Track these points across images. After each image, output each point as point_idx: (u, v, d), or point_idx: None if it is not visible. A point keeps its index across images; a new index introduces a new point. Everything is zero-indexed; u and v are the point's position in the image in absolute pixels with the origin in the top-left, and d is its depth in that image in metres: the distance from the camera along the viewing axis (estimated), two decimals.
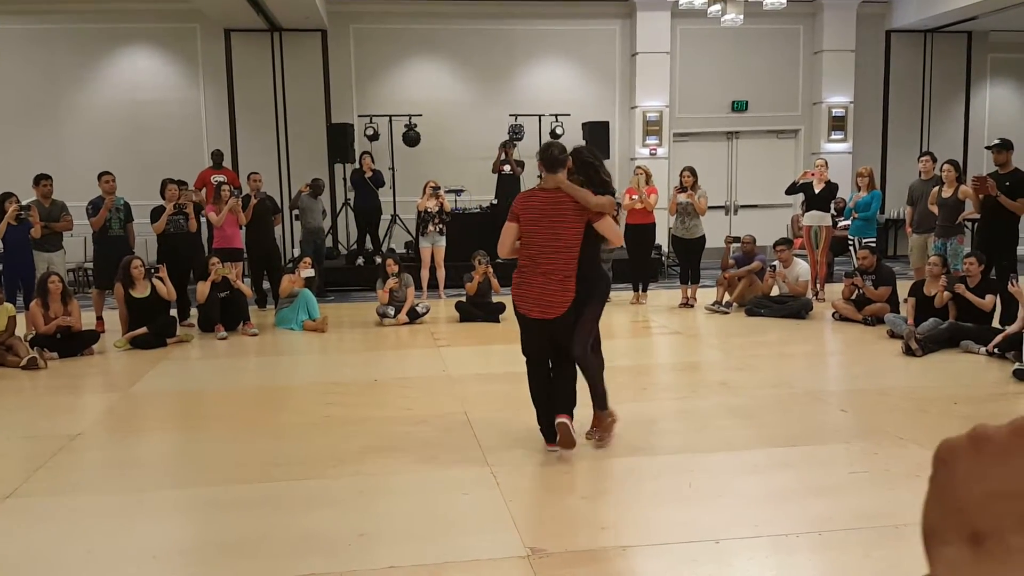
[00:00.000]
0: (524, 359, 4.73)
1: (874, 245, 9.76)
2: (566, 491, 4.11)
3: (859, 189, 10.30)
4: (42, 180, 8.97)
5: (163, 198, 9.32)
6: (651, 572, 3.26)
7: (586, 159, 4.83)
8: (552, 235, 4.50)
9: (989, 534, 0.60)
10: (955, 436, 0.72)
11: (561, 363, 4.71)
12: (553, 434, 4.63)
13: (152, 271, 8.47)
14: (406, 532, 3.73)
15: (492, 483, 4.22)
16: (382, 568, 3.30)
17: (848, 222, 10.66)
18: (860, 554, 3.34)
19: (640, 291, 10.51)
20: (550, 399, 4.67)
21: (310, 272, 9.45)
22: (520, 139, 12.86)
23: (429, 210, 10.71)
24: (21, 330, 7.86)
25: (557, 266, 4.50)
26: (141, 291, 8.32)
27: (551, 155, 4.60)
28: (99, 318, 9.05)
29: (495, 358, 7.68)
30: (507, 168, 12.01)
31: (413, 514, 3.97)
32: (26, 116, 13.37)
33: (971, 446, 0.70)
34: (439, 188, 10.87)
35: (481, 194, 12.82)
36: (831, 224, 10.48)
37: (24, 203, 8.64)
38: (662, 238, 12.58)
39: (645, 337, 8.68)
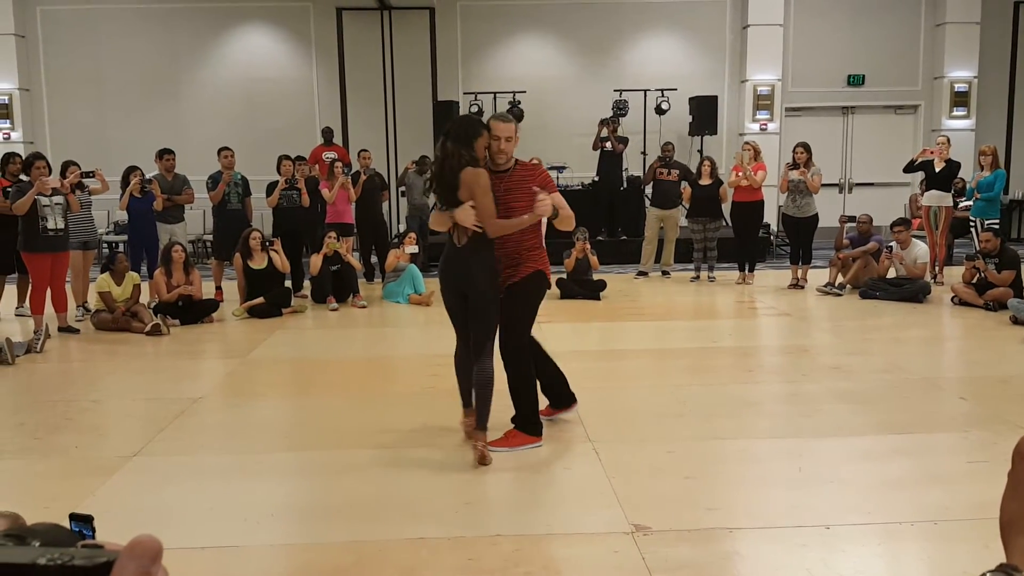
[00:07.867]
0: (527, 342, 4.49)
1: (997, 227, 9.31)
2: (670, 470, 4.08)
3: (982, 168, 9.81)
4: (165, 154, 9.36)
5: (279, 174, 9.62)
6: (760, 555, 3.21)
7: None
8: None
9: None
10: None
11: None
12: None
13: (267, 244, 8.77)
14: (510, 503, 3.79)
15: (595, 459, 4.24)
16: (488, 536, 3.36)
17: (970, 203, 10.19)
18: (978, 545, 3.21)
19: (746, 271, 10.31)
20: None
21: (414, 248, 9.62)
22: (624, 115, 12.72)
23: None
24: (145, 298, 8.29)
25: None
26: (259, 262, 8.63)
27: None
28: (218, 288, 9.45)
29: (594, 335, 7.68)
30: (608, 145, 11.90)
31: (517, 486, 4.03)
32: (149, 93, 13.97)
33: None
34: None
35: (584, 171, 12.77)
36: (952, 204, 10.05)
37: (147, 176, 9.07)
38: (771, 216, 12.28)
39: (751, 319, 8.50)
